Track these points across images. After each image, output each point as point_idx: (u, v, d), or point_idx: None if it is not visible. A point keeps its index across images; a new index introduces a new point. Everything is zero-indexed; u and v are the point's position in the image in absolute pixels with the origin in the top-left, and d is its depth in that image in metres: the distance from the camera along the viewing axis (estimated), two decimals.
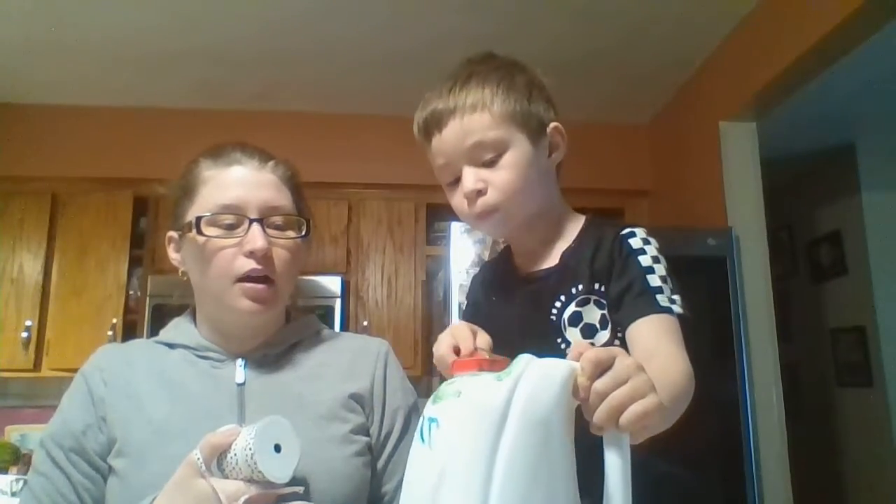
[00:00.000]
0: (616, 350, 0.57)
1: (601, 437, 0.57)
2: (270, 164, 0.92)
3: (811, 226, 3.81)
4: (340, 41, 2.72)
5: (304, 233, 0.92)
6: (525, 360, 0.57)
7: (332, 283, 3.05)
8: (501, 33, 2.64)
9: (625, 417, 0.54)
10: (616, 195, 3.46)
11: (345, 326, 3.07)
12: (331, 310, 3.00)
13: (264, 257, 0.86)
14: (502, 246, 1.06)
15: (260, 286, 0.87)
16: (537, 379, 0.55)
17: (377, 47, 2.77)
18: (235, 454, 0.71)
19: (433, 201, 3.14)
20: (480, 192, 0.87)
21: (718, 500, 2.35)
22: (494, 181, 0.87)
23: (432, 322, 3.15)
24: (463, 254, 2.34)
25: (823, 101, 2.83)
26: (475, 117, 0.86)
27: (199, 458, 0.72)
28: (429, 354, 3.43)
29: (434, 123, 0.89)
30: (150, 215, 3.16)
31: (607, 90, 3.11)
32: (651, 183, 3.43)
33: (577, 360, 0.56)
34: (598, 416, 0.54)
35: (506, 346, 0.69)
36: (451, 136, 0.88)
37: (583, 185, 3.24)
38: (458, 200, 0.91)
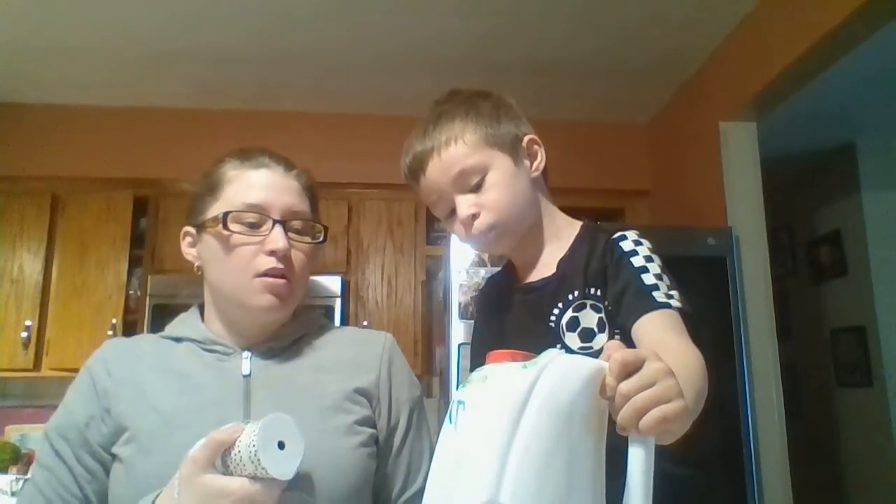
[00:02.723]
0: (646, 352, 0.57)
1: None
2: (294, 171, 0.96)
3: (811, 226, 3.81)
4: (340, 41, 2.72)
5: (320, 239, 0.96)
6: (553, 353, 0.58)
7: (332, 283, 3.05)
8: (501, 33, 2.64)
9: (644, 420, 0.54)
10: (616, 195, 3.46)
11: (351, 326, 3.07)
12: (331, 310, 3.00)
13: (284, 257, 0.89)
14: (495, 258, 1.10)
15: (280, 281, 0.89)
16: (562, 371, 0.56)
17: (376, 47, 2.77)
18: (239, 451, 0.71)
19: None
20: (475, 216, 0.93)
21: (718, 499, 2.35)
22: (484, 202, 0.93)
23: (432, 322, 3.15)
24: (463, 254, 2.34)
25: (823, 101, 2.83)
26: (451, 150, 0.93)
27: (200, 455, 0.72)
28: (429, 354, 3.44)
29: (418, 166, 0.96)
30: (150, 215, 3.16)
31: (607, 90, 3.11)
32: (651, 183, 3.43)
33: (608, 360, 0.57)
34: (622, 417, 0.55)
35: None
36: (435, 172, 0.94)
37: (583, 185, 3.26)
38: (457, 228, 0.97)
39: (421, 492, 0.93)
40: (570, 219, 1.02)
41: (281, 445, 0.72)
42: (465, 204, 0.93)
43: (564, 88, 3.06)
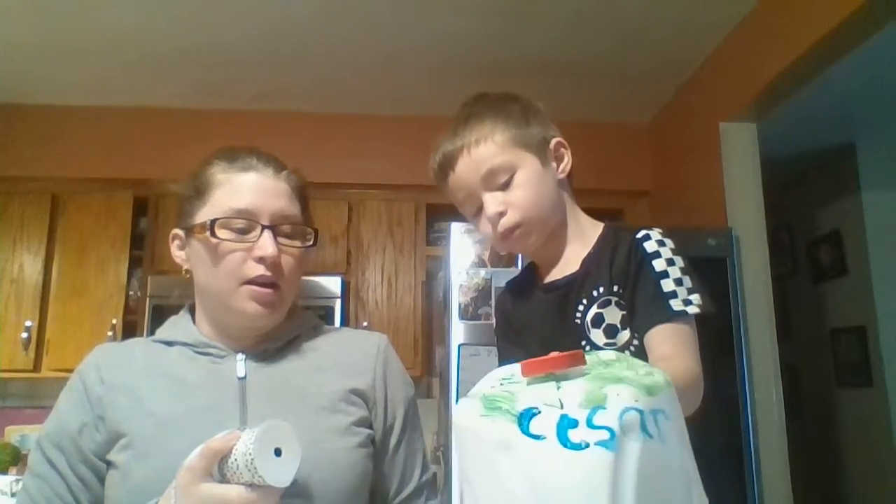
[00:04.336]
0: None
1: None
2: (284, 173, 0.94)
3: (811, 226, 3.80)
4: (340, 41, 2.72)
5: (310, 242, 0.94)
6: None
7: (332, 283, 3.04)
8: (502, 34, 2.64)
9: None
10: (616, 195, 3.46)
11: (345, 326, 3.06)
12: (331, 310, 3.00)
13: (273, 264, 0.88)
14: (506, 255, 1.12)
15: (267, 290, 0.88)
16: None
17: (377, 47, 2.77)
18: (236, 459, 0.71)
19: (433, 201, 3.15)
20: (501, 213, 0.95)
21: (718, 499, 2.34)
22: (511, 200, 0.95)
23: (432, 322, 3.15)
24: (463, 254, 2.34)
25: (823, 101, 2.83)
26: (481, 149, 0.95)
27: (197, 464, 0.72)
28: (429, 355, 3.43)
29: (447, 164, 0.98)
30: (150, 215, 3.16)
31: (607, 90, 3.11)
32: (651, 183, 3.43)
33: None
34: None
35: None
36: (464, 170, 0.97)
37: (583, 186, 3.21)
38: (484, 227, 0.99)
39: (418, 490, 0.94)
40: (592, 220, 1.04)
41: (277, 452, 0.71)
42: (492, 201, 0.95)
43: (564, 88, 3.06)
